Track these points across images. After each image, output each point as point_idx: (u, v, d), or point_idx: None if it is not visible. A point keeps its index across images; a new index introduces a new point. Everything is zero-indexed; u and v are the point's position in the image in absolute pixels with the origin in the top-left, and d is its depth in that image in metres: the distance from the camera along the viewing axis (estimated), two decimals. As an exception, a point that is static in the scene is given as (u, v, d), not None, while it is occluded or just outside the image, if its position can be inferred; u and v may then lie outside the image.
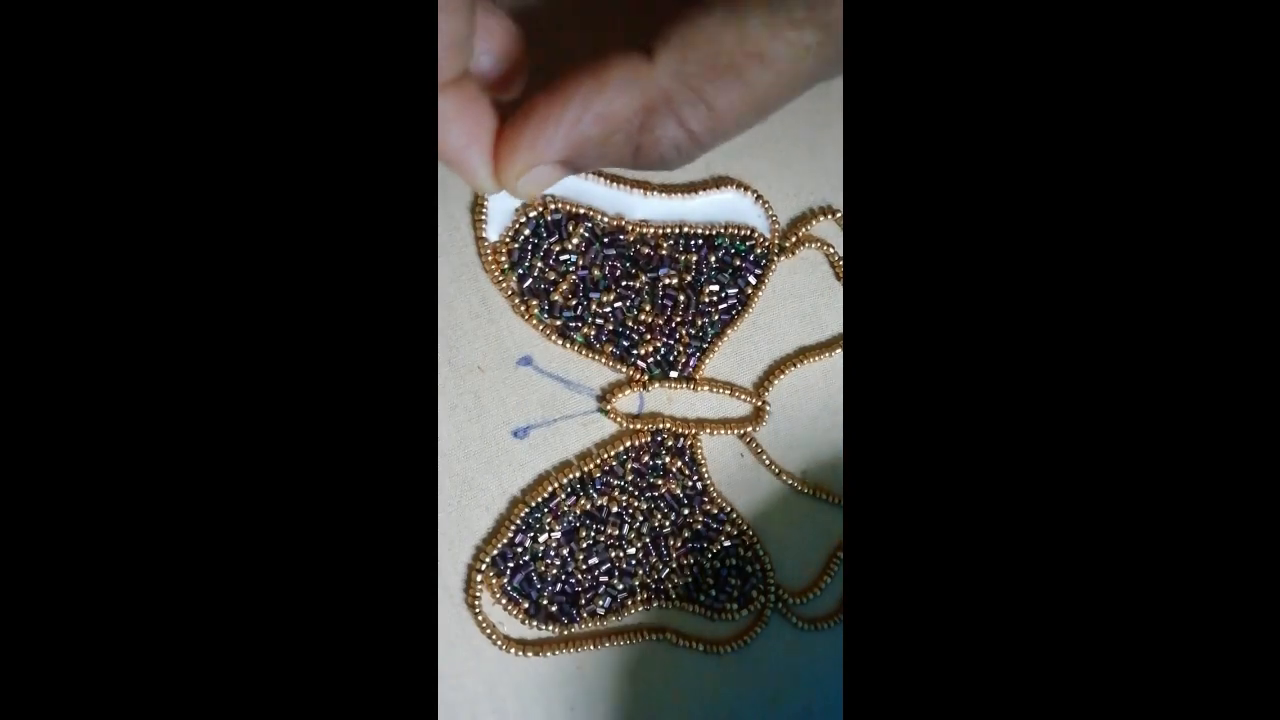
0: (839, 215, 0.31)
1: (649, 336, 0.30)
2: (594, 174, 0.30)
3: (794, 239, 0.31)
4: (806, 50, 0.22)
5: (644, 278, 0.30)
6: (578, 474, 0.30)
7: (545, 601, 0.30)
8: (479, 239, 0.30)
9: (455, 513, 0.30)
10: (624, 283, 0.30)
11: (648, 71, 0.22)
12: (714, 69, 0.22)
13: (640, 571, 0.31)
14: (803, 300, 0.31)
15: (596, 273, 0.30)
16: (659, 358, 0.31)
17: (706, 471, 0.31)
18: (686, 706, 0.31)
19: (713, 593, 0.31)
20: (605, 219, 0.30)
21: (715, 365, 0.31)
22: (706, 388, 0.31)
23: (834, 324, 0.31)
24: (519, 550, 0.30)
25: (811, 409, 0.31)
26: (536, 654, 0.30)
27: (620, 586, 0.30)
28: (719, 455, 0.31)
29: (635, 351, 0.30)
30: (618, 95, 0.23)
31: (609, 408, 0.31)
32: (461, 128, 0.23)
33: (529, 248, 0.30)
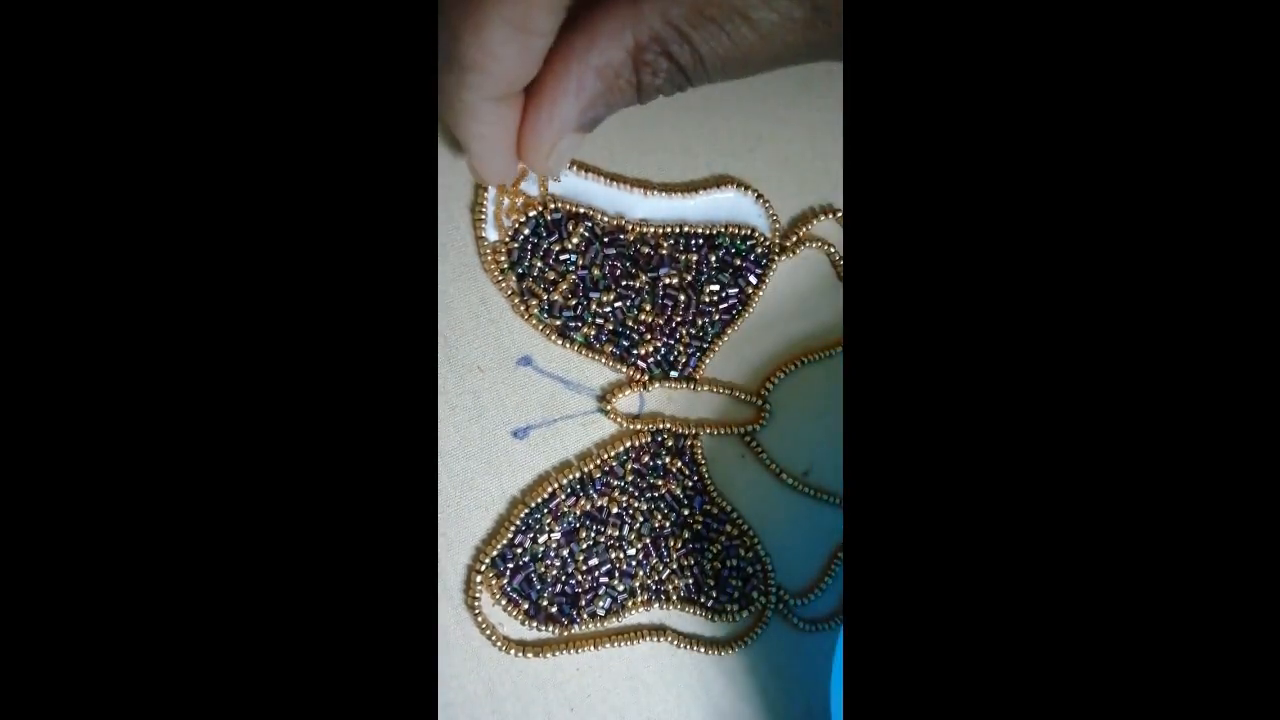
0: (840, 214, 0.31)
1: (649, 336, 0.30)
2: (594, 174, 0.30)
3: (795, 238, 0.31)
4: (793, 22, 0.23)
5: (644, 277, 0.30)
6: (578, 474, 0.30)
7: (545, 602, 0.30)
8: (479, 239, 0.30)
9: (455, 513, 0.30)
10: (624, 282, 0.30)
11: (634, 16, 0.24)
12: (699, 16, 0.23)
13: (640, 572, 0.30)
14: (804, 300, 0.31)
15: (596, 272, 0.30)
16: (659, 358, 0.31)
17: (707, 472, 0.31)
18: (686, 707, 0.31)
19: (713, 594, 0.31)
20: (605, 218, 0.30)
21: (716, 365, 0.31)
22: (707, 388, 0.31)
23: (834, 323, 0.31)
24: (519, 551, 0.30)
25: (812, 409, 0.31)
26: (536, 655, 0.30)
27: (620, 588, 0.30)
28: (719, 455, 0.31)
29: (635, 351, 0.30)
30: (609, 45, 0.24)
31: (609, 408, 0.31)
32: (499, 134, 0.25)
33: (529, 247, 0.30)
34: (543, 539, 0.30)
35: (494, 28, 0.23)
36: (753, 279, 0.30)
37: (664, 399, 0.31)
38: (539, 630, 0.30)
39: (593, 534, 0.30)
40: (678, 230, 0.30)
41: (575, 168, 0.30)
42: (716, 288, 0.30)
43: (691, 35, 0.24)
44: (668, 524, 0.31)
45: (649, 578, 0.31)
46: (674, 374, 0.31)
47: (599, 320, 0.30)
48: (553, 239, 0.30)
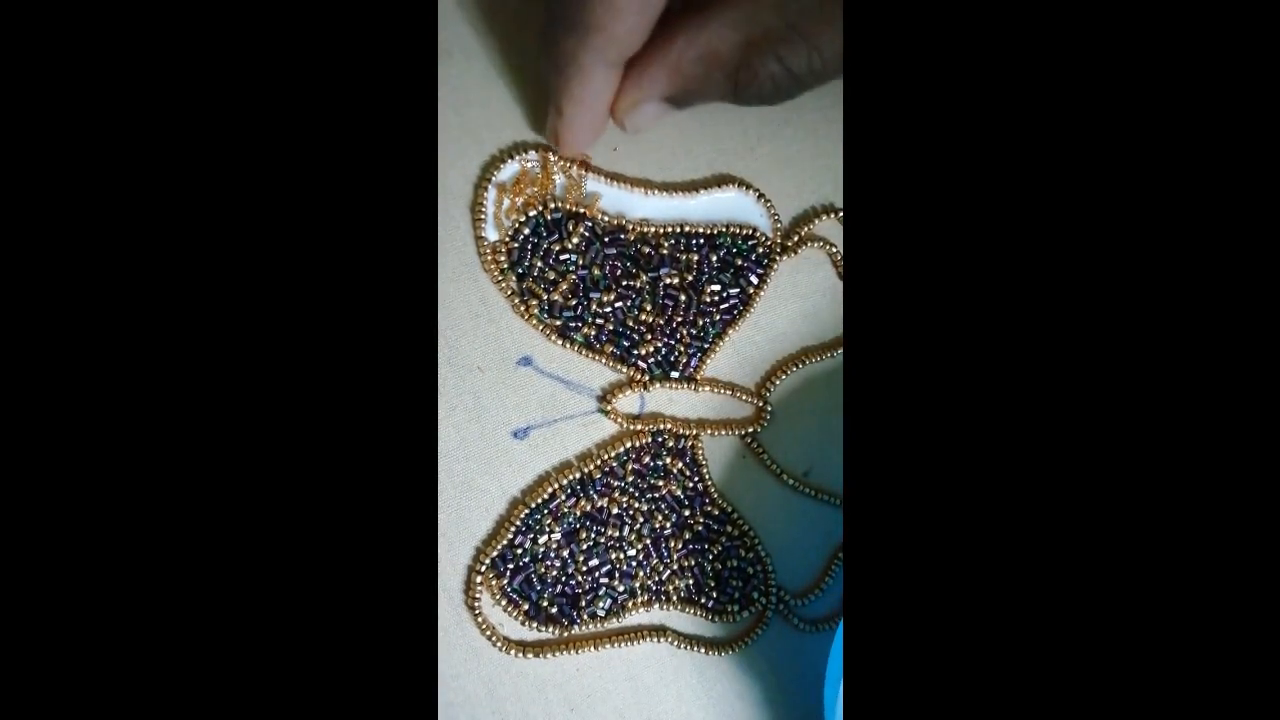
0: (840, 214, 0.31)
1: (649, 336, 0.30)
2: (594, 173, 0.30)
3: (796, 238, 0.31)
4: None
5: (644, 277, 0.30)
6: (578, 475, 0.30)
7: (545, 603, 0.30)
8: (478, 238, 0.30)
9: (455, 514, 0.30)
10: (624, 282, 0.30)
11: (752, 7, 0.23)
12: (823, 11, 0.22)
13: (641, 573, 0.30)
14: (805, 300, 0.31)
15: (597, 272, 0.30)
16: (660, 358, 0.31)
17: (707, 472, 0.31)
18: (686, 707, 0.31)
19: (714, 594, 0.31)
20: (605, 218, 0.30)
21: (716, 365, 0.31)
22: (708, 388, 0.31)
23: (835, 324, 0.31)
24: (519, 551, 0.30)
25: (813, 410, 0.31)
26: (536, 655, 0.30)
27: (620, 588, 0.30)
28: (720, 456, 0.31)
29: (636, 352, 0.30)
30: (720, 32, 0.24)
31: (609, 408, 0.31)
32: (600, 101, 0.26)
33: (529, 247, 0.30)
34: (543, 539, 0.30)
35: None
36: (754, 279, 0.30)
37: (664, 399, 0.31)
38: (539, 631, 0.30)
39: (593, 534, 0.30)
40: (678, 230, 0.30)
41: (576, 167, 0.30)
42: (717, 288, 0.30)
43: (812, 31, 0.22)
44: (668, 525, 0.31)
45: (649, 578, 0.31)
46: (674, 374, 0.31)
47: (599, 320, 0.30)
48: (553, 239, 0.30)
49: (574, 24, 0.24)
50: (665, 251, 0.30)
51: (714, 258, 0.30)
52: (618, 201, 0.30)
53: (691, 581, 0.31)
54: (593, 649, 0.30)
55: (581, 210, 0.30)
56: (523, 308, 0.30)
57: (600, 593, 0.30)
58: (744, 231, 0.30)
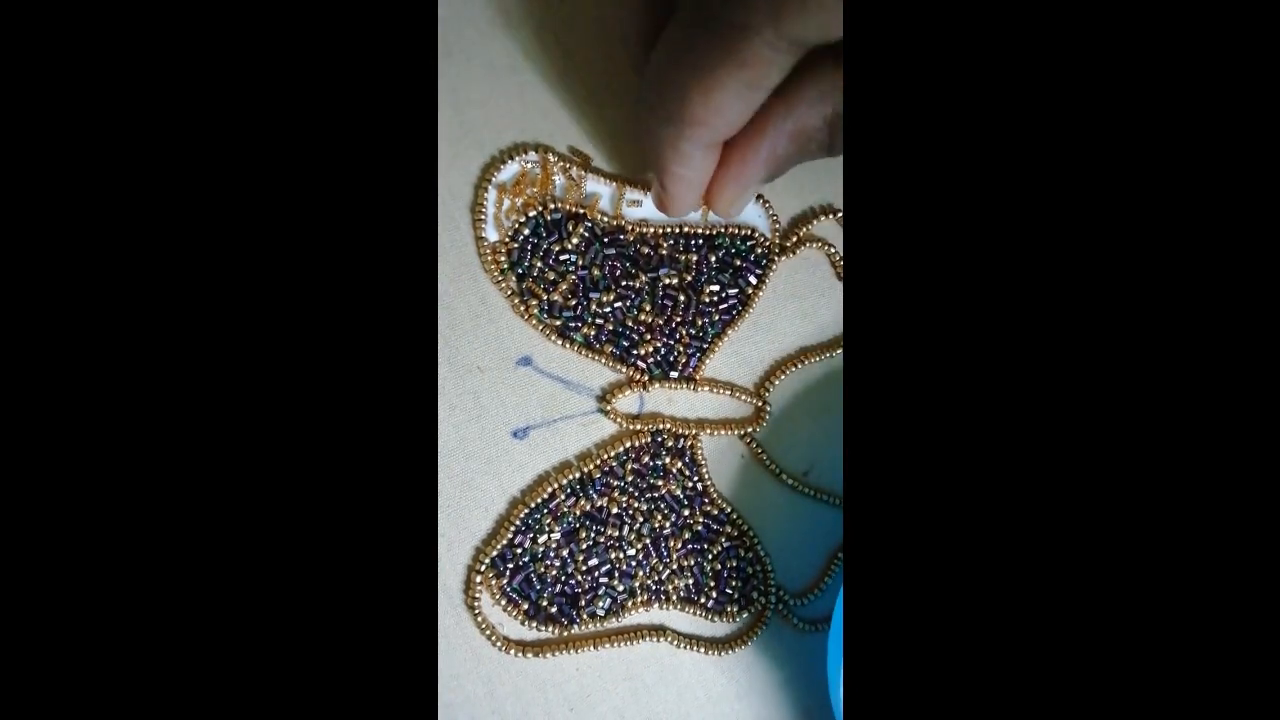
0: (840, 214, 0.31)
1: (649, 336, 0.30)
2: (594, 173, 0.30)
3: (795, 238, 0.31)
4: None
5: (644, 278, 0.30)
6: (577, 475, 0.30)
7: (545, 603, 0.30)
8: (478, 239, 0.30)
9: (455, 514, 0.30)
10: (624, 283, 0.30)
11: (833, 85, 0.24)
12: None
13: (640, 573, 0.30)
14: (804, 300, 0.31)
15: (596, 272, 0.30)
16: (659, 358, 0.31)
17: (707, 472, 0.31)
18: (686, 707, 0.31)
19: (713, 594, 0.31)
20: (605, 218, 0.30)
21: (716, 365, 0.31)
22: (707, 388, 0.31)
23: (834, 324, 0.31)
24: (519, 551, 0.30)
25: (812, 409, 0.31)
26: (536, 655, 0.30)
27: (620, 588, 0.30)
28: (719, 456, 0.31)
29: (635, 352, 0.30)
30: (807, 113, 0.25)
31: (609, 408, 0.31)
32: (699, 178, 0.26)
33: (528, 247, 0.30)
34: (542, 539, 0.30)
35: (727, 90, 0.23)
36: (753, 279, 0.30)
37: (664, 399, 0.31)
38: (539, 630, 0.30)
39: (592, 534, 0.30)
40: (677, 230, 0.30)
41: (576, 167, 0.30)
42: (716, 288, 0.30)
43: None
44: (667, 524, 0.31)
45: (649, 578, 0.31)
46: (674, 374, 0.31)
47: (599, 320, 0.30)
48: (553, 239, 0.30)
49: (673, 116, 0.24)
50: (664, 252, 0.30)
51: (713, 258, 0.30)
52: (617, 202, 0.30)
53: (691, 581, 0.31)
54: (592, 649, 0.30)
55: (581, 210, 0.30)
56: (523, 308, 0.30)
57: (600, 592, 0.30)
58: (743, 232, 0.30)
